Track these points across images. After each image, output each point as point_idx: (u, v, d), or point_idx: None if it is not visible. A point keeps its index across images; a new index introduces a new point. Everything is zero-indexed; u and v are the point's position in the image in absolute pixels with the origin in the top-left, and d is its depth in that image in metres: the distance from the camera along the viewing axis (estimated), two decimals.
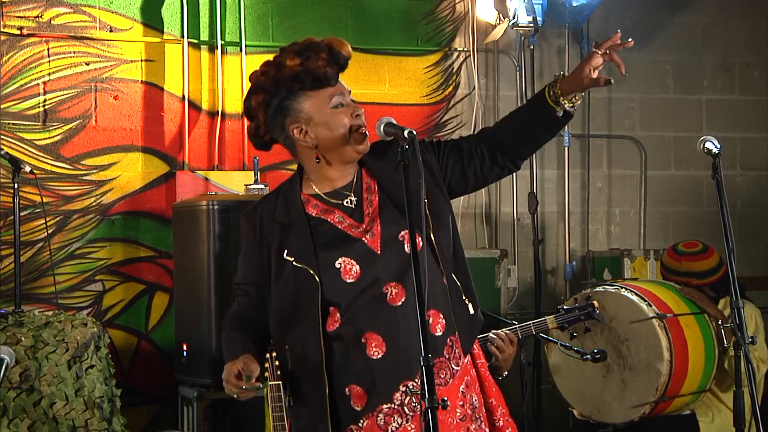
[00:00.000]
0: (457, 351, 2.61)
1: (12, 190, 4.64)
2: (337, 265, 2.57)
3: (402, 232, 2.59)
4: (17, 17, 5.24)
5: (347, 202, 2.65)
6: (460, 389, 2.61)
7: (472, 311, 2.67)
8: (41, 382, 4.22)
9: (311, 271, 2.55)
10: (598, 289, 4.63)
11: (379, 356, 2.55)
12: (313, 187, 2.67)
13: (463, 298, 2.66)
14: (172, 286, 5.30)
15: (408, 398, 2.55)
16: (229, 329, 2.73)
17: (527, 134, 2.68)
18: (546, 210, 6.16)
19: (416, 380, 2.54)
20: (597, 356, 4.00)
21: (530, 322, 3.87)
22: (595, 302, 3.90)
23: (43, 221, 5.08)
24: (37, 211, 5.15)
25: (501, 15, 5.74)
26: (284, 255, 2.58)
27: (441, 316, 2.60)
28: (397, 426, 2.55)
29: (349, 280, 2.57)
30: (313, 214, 2.64)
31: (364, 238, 2.60)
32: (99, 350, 4.44)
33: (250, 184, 5.05)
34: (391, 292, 2.57)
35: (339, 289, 2.56)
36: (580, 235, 6.23)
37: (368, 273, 2.57)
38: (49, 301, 5.07)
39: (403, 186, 2.45)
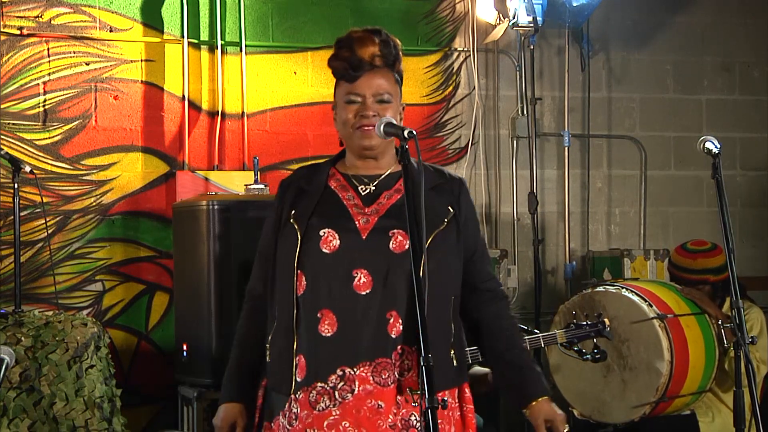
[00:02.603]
0: (407, 363, 2.60)
1: (12, 190, 4.63)
2: (320, 232, 2.64)
3: (394, 230, 2.62)
4: (17, 17, 5.24)
5: (362, 189, 2.73)
6: (397, 399, 2.60)
7: (455, 364, 2.69)
8: (41, 382, 4.22)
9: (296, 227, 2.66)
10: (599, 289, 4.63)
11: (328, 335, 2.60)
12: (345, 165, 2.79)
13: (451, 350, 2.68)
14: (172, 286, 5.30)
15: (342, 384, 2.58)
16: (236, 346, 2.85)
17: (479, 343, 2.87)
18: (546, 210, 6.16)
19: (355, 369, 2.58)
20: (597, 356, 4.01)
21: (539, 334, 3.87)
22: (606, 320, 3.89)
23: (43, 221, 5.08)
24: (37, 211, 5.15)
25: (501, 15, 5.74)
26: (290, 214, 2.71)
27: (400, 321, 2.60)
28: (324, 407, 2.59)
29: (324, 250, 2.63)
30: (332, 187, 2.75)
31: (357, 220, 2.66)
32: (99, 350, 4.44)
33: (250, 184, 5.05)
34: (360, 278, 2.61)
35: (312, 255, 2.63)
36: (580, 235, 6.23)
37: (345, 251, 2.62)
38: (49, 301, 5.07)
39: (404, 188, 2.49)
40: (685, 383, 4.40)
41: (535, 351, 5.47)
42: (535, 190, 5.91)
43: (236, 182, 5.33)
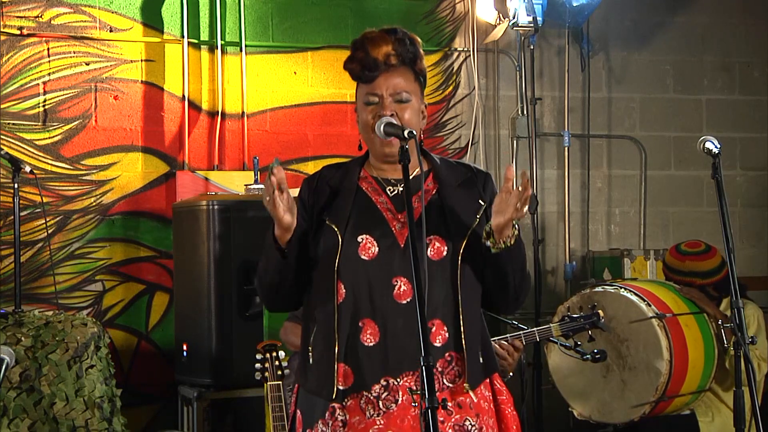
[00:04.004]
0: (455, 368, 2.61)
1: (12, 190, 4.64)
2: (359, 239, 2.61)
3: (430, 236, 2.60)
4: (17, 17, 5.24)
5: (390, 190, 2.70)
6: (447, 406, 2.58)
7: (482, 360, 2.67)
8: (41, 382, 4.22)
9: (336, 229, 2.61)
10: (597, 289, 4.63)
11: (371, 344, 2.58)
12: (372, 167, 2.74)
13: (480, 347, 2.67)
14: (172, 286, 5.30)
15: (386, 394, 2.57)
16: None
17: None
18: (546, 210, 6.16)
19: (399, 379, 2.57)
20: (597, 356, 4.00)
21: (535, 329, 3.86)
22: (600, 311, 3.89)
23: (43, 221, 5.08)
24: (37, 211, 5.15)
25: (501, 15, 5.74)
26: (323, 215, 2.66)
27: (445, 328, 2.60)
28: (370, 415, 2.58)
29: (363, 257, 2.60)
30: (364, 189, 2.70)
31: (393, 227, 2.63)
32: (99, 350, 4.44)
33: (250, 184, 5.05)
34: (400, 287, 2.59)
35: (351, 261, 2.59)
36: (580, 235, 6.23)
37: (384, 259, 2.60)
38: (49, 301, 5.07)
39: (404, 186, 2.48)
40: (685, 382, 4.41)
41: (534, 350, 5.49)
42: (535, 190, 5.91)
43: (236, 182, 5.33)
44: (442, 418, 2.56)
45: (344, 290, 2.59)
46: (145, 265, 5.42)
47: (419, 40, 2.71)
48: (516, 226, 2.57)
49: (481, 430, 2.63)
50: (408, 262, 2.53)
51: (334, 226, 2.61)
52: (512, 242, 2.57)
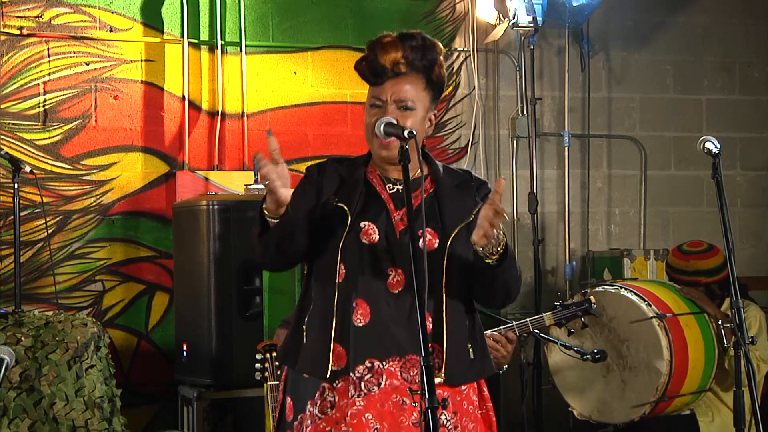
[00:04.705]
0: (436, 361, 2.62)
1: (12, 190, 4.64)
2: (361, 224, 2.66)
3: (421, 229, 2.62)
4: (17, 17, 5.24)
5: (390, 187, 2.74)
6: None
7: (472, 356, 2.69)
8: (41, 382, 4.22)
9: (346, 210, 2.64)
10: (598, 289, 4.63)
11: (360, 325, 2.61)
12: (375, 166, 2.79)
13: (468, 342, 2.68)
14: (172, 286, 5.30)
15: (369, 375, 2.59)
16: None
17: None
18: (546, 210, 6.16)
19: (384, 362, 2.59)
20: (597, 356, 4.01)
21: (527, 319, 3.87)
22: (591, 297, 3.91)
23: (43, 221, 5.08)
24: (37, 211, 5.15)
25: (501, 15, 5.74)
26: (331, 198, 2.69)
27: (429, 320, 2.62)
28: (350, 395, 2.60)
29: (364, 241, 2.64)
30: (371, 182, 2.75)
31: (394, 218, 2.68)
32: (99, 350, 4.44)
33: (250, 184, 5.05)
34: (394, 277, 2.64)
35: (354, 244, 2.64)
36: (580, 235, 6.23)
37: (382, 248, 2.65)
38: (49, 301, 5.07)
39: (404, 186, 2.51)
40: (685, 382, 4.41)
41: (534, 349, 5.49)
42: (535, 190, 5.91)
43: (236, 182, 5.34)
44: (415, 414, 2.58)
45: (344, 271, 2.64)
46: (145, 265, 5.42)
47: (441, 47, 2.72)
48: (504, 244, 2.57)
49: (456, 429, 2.64)
50: (404, 254, 2.61)
51: (344, 206, 2.65)
52: (495, 258, 2.57)
